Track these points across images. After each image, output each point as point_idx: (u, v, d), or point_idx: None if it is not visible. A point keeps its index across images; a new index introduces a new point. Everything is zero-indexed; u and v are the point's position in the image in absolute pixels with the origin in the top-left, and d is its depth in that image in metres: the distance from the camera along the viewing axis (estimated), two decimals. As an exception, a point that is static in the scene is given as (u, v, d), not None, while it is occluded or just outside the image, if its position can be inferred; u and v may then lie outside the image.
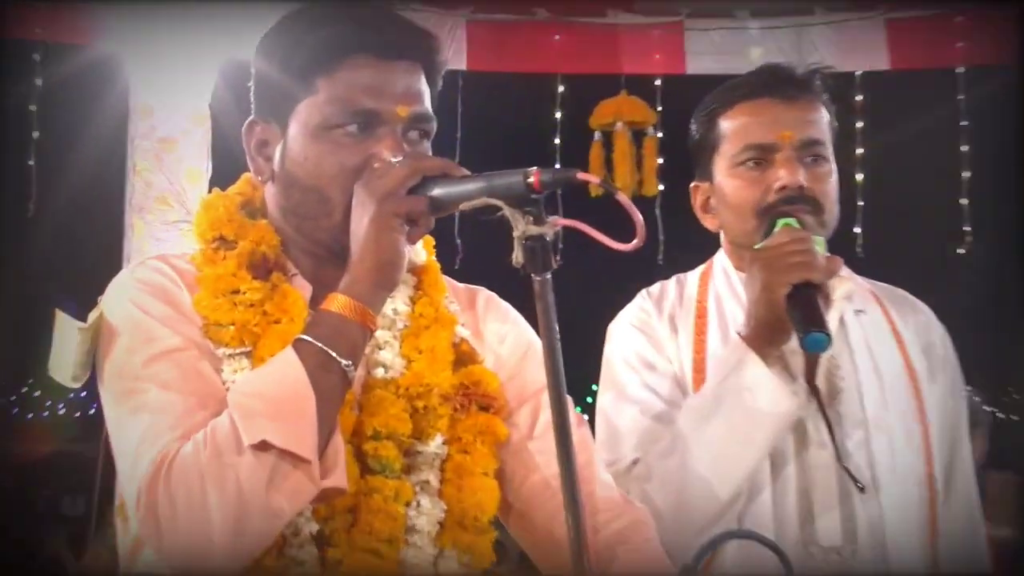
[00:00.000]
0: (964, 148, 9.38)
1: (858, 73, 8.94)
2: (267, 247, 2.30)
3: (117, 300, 2.23)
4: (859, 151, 9.25)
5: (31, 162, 8.72)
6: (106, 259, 8.38)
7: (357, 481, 2.18)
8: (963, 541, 2.93)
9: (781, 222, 2.75)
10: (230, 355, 2.20)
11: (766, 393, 2.67)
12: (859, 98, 8.94)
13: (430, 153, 2.28)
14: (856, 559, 2.75)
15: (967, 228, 9.33)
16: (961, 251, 9.43)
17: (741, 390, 2.69)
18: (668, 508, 2.67)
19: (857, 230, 8.96)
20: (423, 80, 2.30)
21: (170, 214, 7.93)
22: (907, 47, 9.09)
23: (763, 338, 2.69)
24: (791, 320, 2.60)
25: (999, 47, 8.83)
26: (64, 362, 2.24)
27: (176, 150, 8.06)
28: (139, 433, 2.08)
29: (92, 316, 2.23)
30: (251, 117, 2.37)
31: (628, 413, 2.89)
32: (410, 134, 2.25)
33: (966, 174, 9.37)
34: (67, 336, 2.23)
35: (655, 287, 3.10)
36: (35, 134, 8.72)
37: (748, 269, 2.72)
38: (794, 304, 2.59)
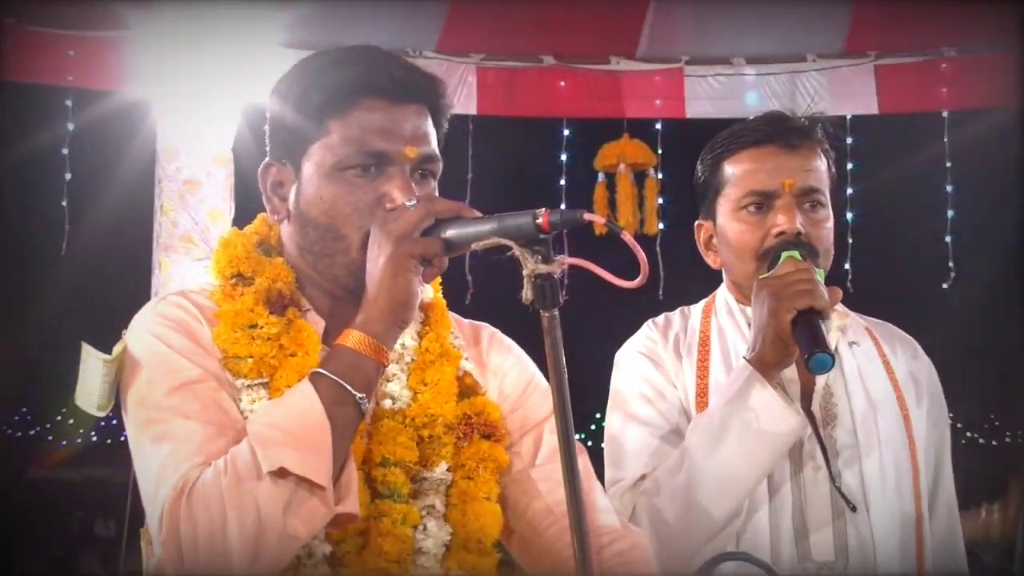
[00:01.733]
0: (949, 188, 9.43)
1: (848, 116, 8.98)
2: (283, 283, 2.29)
3: (140, 334, 2.23)
4: (849, 191, 9.30)
5: (64, 203, 8.79)
6: (134, 294, 8.39)
7: (367, 505, 2.18)
8: (946, 555, 2.96)
9: (785, 254, 2.77)
10: (248, 386, 2.20)
11: (772, 413, 2.68)
12: (849, 140, 8.98)
13: (436, 191, 2.29)
14: (848, 573, 2.77)
15: (951, 264, 9.37)
16: (945, 286, 9.46)
17: (746, 410, 2.70)
18: (676, 521, 2.70)
19: (847, 267, 8.99)
20: (430, 122, 2.30)
21: (195, 252, 7.96)
22: (895, 92, 9.16)
23: (768, 361, 2.71)
24: (796, 343, 2.63)
25: (983, 91, 8.89)
26: (90, 392, 2.24)
27: (200, 191, 8.10)
28: (161, 460, 2.08)
29: (116, 349, 2.23)
30: (266, 159, 2.37)
31: (636, 433, 2.90)
32: (417, 174, 2.25)
33: (950, 213, 9.41)
34: (92, 368, 2.23)
35: (660, 318, 3.12)
36: (67, 176, 8.80)
37: (755, 296, 2.74)
38: (799, 329, 2.63)
